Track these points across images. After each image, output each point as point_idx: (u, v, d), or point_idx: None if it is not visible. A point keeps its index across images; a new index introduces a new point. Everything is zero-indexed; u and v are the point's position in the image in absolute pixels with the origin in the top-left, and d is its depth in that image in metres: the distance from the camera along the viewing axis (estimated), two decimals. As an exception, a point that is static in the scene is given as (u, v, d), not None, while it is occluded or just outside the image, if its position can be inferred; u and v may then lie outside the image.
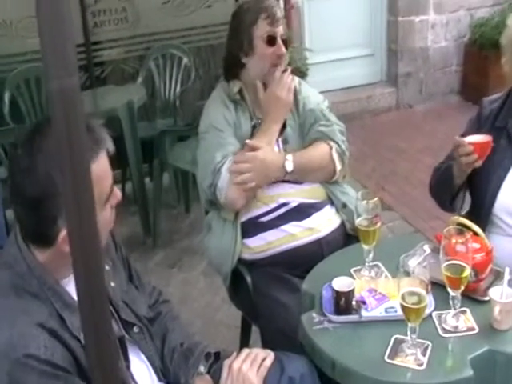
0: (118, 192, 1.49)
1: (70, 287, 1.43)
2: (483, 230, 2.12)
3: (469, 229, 1.91)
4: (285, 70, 2.39)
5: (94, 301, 0.98)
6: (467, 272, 1.71)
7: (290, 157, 2.33)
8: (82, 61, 4.82)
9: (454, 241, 1.79)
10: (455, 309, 1.74)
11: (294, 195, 2.36)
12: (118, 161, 4.50)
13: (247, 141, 2.32)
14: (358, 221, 2.00)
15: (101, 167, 1.38)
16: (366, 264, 2.00)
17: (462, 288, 1.72)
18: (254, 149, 2.30)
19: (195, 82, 5.01)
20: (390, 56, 6.39)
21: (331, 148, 2.42)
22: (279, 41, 2.37)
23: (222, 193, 2.30)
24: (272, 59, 2.37)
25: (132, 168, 4.18)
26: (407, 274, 1.68)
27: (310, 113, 2.47)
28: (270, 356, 1.78)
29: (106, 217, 1.44)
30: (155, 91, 5.01)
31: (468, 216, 2.28)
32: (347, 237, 2.38)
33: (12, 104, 4.45)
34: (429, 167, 2.56)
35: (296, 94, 2.47)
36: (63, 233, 1.32)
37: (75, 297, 1.38)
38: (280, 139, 2.43)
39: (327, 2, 6.07)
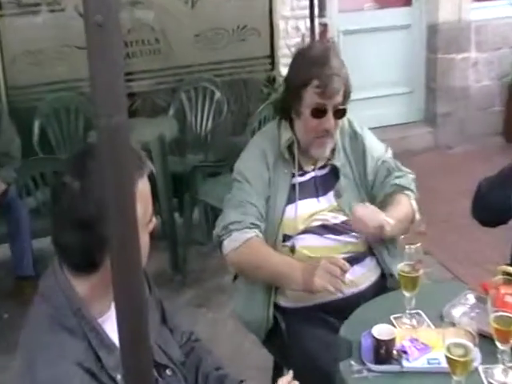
0: (154, 218, 1.54)
1: (107, 326, 1.45)
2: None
3: (517, 278, 1.90)
4: None
5: (136, 333, 0.98)
6: (517, 324, 1.70)
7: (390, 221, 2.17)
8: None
9: (502, 291, 1.78)
10: (504, 364, 1.72)
11: (336, 250, 2.29)
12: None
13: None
14: (399, 266, 1.99)
15: (146, 186, 1.46)
16: (407, 312, 1.98)
17: (512, 342, 1.71)
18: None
19: (227, 117, 5.06)
20: (429, 94, 6.43)
21: (409, 197, 2.36)
22: (329, 113, 2.21)
23: (226, 249, 2.27)
24: (316, 132, 2.25)
25: (162, 203, 4.21)
26: (452, 324, 1.66)
27: (383, 165, 2.39)
28: None
29: (145, 240, 1.47)
30: (186, 125, 5.09)
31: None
32: (385, 290, 2.32)
33: (41, 134, 4.57)
34: (468, 210, 2.51)
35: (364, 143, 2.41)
36: None
37: (112, 337, 1.41)
38: (332, 192, 2.36)
39: (364, 38, 6.14)
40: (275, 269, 2.19)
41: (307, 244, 2.30)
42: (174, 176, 4.32)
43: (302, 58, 2.30)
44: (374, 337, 1.79)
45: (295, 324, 2.29)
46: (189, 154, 4.98)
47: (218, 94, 5.00)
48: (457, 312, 1.85)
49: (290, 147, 2.34)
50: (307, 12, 5.14)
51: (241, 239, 2.23)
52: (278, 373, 2.53)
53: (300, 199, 2.32)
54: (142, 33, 5.10)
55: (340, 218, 2.34)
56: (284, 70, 5.30)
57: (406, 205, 2.33)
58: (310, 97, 2.22)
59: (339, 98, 2.23)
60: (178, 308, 3.79)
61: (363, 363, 1.79)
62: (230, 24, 5.26)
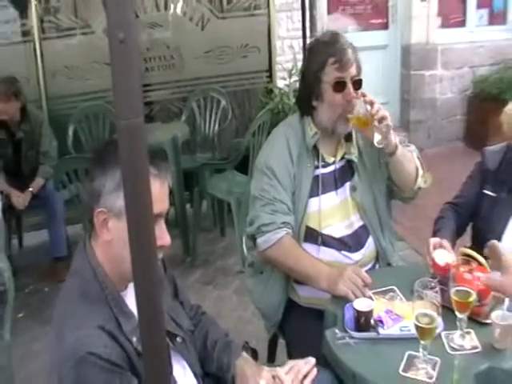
0: (167, 236, 1.46)
1: (127, 298, 1.46)
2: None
3: (474, 259, 1.89)
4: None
5: (152, 311, 0.98)
6: (473, 297, 1.69)
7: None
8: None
9: (461, 270, 1.78)
10: (461, 329, 1.72)
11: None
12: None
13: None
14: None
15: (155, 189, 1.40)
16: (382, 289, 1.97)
17: (468, 311, 1.70)
18: None
19: (231, 121, 5.06)
20: (403, 104, 6.41)
21: (412, 152, 2.19)
22: (349, 85, 2.06)
23: (261, 247, 2.17)
24: (343, 106, 2.07)
25: (175, 195, 4.21)
26: (420, 297, 1.66)
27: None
28: (311, 368, 1.71)
29: None
30: (196, 128, 5.08)
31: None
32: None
33: (74, 136, 4.59)
34: (436, 203, 2.57)
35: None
36: (97, 210, 1.39)
37: (130, 306, 1.42)
38: (347, 184, 2.20)
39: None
40: (304, 271, 2.10)
41: (327, 259, 2.16)
42: (185, 172, 4.32)
43: (315, 44, 2.19)
44: (355, 309, 1.79)
45: (301, 316, 2.25)
46: (198, 153, 4.98)
47: (223, 102, 4.98)
48: (424, 287, 1.83)
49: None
50: (300, 33, 5.13)
51: (273, 239, 2.13)
52: (273, 341, 2.51)
53: (323, 193, 2.18)
54: (159, 50, 5.10)
55: (354, 225, 2.23)
56: (280, 83, 5.30)
57: (406, 150, 2.15)
58: (329, 74, 2.07)
59: (354, 70, 2.08)
60: (188, 285, 3.80)
61: (346, 331, 1.79)
62: (235, 42, 5.23)
